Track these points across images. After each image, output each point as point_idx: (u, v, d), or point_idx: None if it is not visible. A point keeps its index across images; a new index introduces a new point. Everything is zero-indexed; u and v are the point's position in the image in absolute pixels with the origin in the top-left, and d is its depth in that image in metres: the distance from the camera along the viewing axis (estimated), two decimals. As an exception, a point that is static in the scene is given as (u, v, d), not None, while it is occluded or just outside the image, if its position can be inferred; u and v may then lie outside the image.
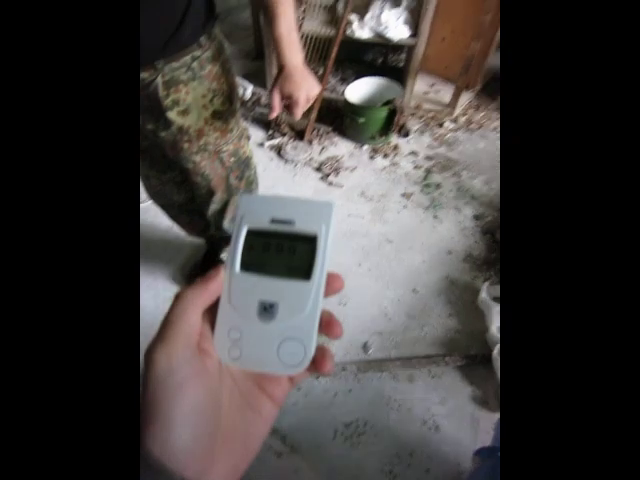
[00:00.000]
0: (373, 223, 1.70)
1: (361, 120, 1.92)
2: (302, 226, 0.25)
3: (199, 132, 0.89)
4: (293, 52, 0.82)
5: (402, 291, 1.48)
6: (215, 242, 1.43)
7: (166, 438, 0.21)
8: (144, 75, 0.78)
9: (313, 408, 1.25)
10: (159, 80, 0.79)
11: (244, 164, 1.05)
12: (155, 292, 1.46)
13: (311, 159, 1.95)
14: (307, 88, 0.84)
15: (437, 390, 1.29)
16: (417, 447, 1.19)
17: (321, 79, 1.89)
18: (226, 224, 1.17)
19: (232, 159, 0.99)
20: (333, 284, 0.24)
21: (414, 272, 1.54)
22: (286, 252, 0.25)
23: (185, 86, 0.82)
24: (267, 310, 0.24)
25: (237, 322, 0.24)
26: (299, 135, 2.05)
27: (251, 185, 1.12)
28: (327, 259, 0.24)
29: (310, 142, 2.03)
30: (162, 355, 0.21)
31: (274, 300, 0.24)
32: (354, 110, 1.92)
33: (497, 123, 2.19)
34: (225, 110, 0.91)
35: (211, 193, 1.04)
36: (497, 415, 1.24)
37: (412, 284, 1.50)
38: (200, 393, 0.22)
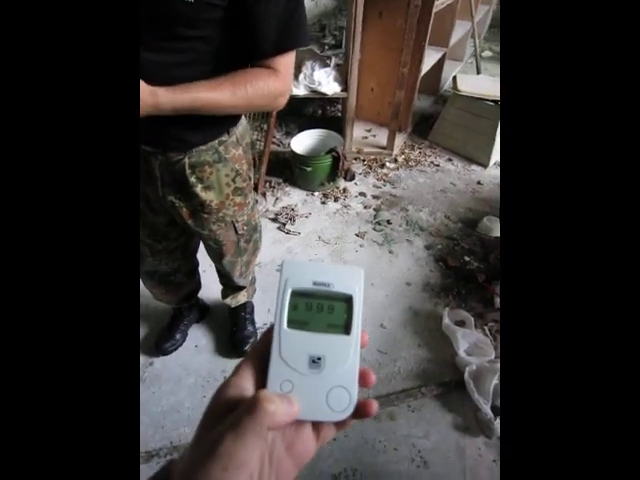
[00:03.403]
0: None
1: (309, 169, 2.02)
2: (339, 288, 0.28)
3: (219, 205, 0.94)
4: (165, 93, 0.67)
5: (370, 328, 1.51)
6: (183, 308, 1.41)
7: None
8: (172, 155, 0.83)
9: (299, 466, 1.20)
10: (186, 160, 0.84)
11: (253, 229, 1.11)
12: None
13: (266, 210, 2.00)
14: None
15: (419, 424, 1.30)
16: (409, 487, 1.17)
17: (266, 135, 1.99)
18: (235, 279, 1.23)
19: (245, 227, 1.05)
20: (364, 338, 0.28)
21: (379, 308, 1.58)
22: (326, 311, 0.28)
23: (210, 167, 0.87)
24: (316, 362, 0.27)
25: (289, 375, 0.26)
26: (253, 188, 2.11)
27: (257, 245, 1.19)
28: (361, 315, 0.28)
29: (264, 194, 2.09)
30: (237, 446, 0.23)
31: (321, 353, 0.27)
32: (301, 161, 2.03)
33: (432, 159, 2.39)
34: (245, 187, 0.97)
35: (221, 255, 1.09)
36: (481, 439, 1.26)
37: (379, 320, 1.54)
38: (257, 461, 0.24)
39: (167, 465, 0.24)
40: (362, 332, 0.28)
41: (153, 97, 0.66)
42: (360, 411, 0.27)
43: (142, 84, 0.65)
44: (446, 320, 1.50)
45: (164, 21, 0.66)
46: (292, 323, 0.28)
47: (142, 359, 1.41)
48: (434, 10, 2.10)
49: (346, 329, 0.28)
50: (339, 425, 0.28)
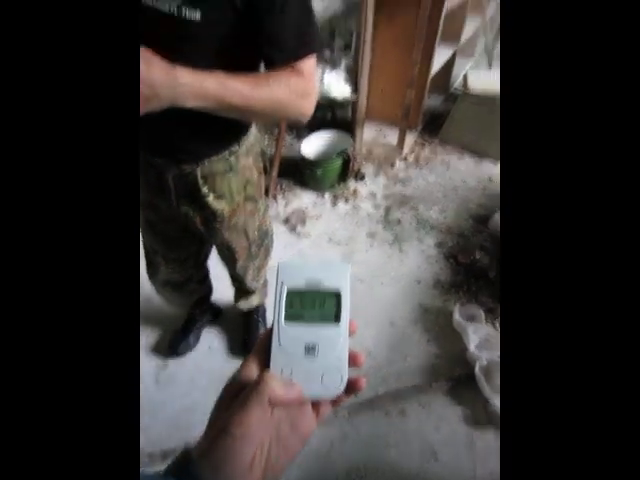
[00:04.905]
0: (344, 265, 1.79)
1: (319, 172, 2.06)
2: (329, 284, 0.33)
3: (231, 213, 0.96)
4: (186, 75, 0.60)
5: (380, 327, 1.54)
6: (195, 312, 1.47)
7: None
8: (185, 166, 0.85)
9: (312, 460, 1.24)
10: (198, 172, 0.86)
11: (264, 234, 1.14)
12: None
13: (277, 214, 2.06)
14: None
15: (430, 418, 1.32)
16: (419, 480, 1.19)
17: (277, 138, 2.05)
18: (248, 283, 1.26)
19: (256, 233, 1.09)
20: (351, 326, 0.33)
21: (389, 306, 1.61)
22: (318, 304, 0.33)
23: (222, 177, 0.89)
24: (310, 350, 0.32)
25: (288, 361, 0.31)
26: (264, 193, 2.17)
27: (268, 250, 1.22)
28: (348, 307, 0.32)
29: (275, 197, 2.15)
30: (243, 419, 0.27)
31: (315, 342, 0.32)
32: (311, 163, 2.07)
33: (443, 157, 2.39)
34: (255, 194, 1.00)
35: (234, 261, 1.13)
36: (491, 431, 1.27)
37: (389, 318, 1.57)
38: (264, 433, 0.29)
39: (185, 450, 0.28)
40: (351, 321, 0.32)
41: (170, 77, 0.57)
42: (351, 387, 0.31)
43: (157, 59, 0.57)
44: (457, 316, 1.51)
45: (171, 40, 0.66)
46: (289, 317, 0.32)
47: (157, 361, 1.47)
48: (445, 6, 2.10)
49: (336, 319, 0.32)
50: (334, 402, 0.32)
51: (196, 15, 0.63)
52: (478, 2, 2.79)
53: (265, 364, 0.31)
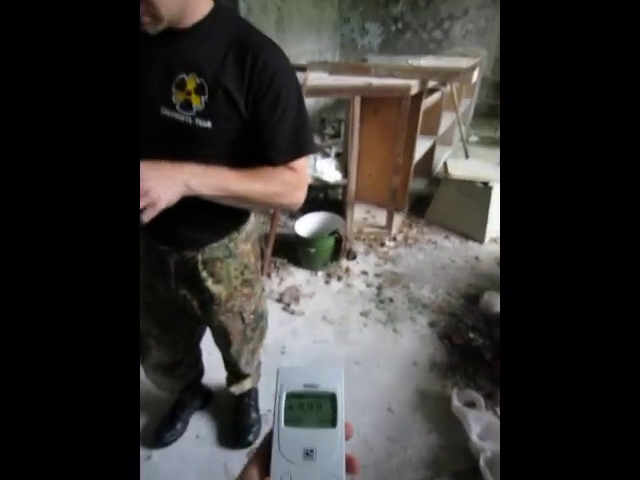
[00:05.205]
0: (338, 346, 1.76)
1: (312, 250, 2.13)
2: (325, 387, 0.34)
3: (228, 297, 0.99)
4: (193, 172, 0.69)
5: (378, 414, 1.47)
6: (185, 396, 1.40)
7: None
8: (186, 252, 0.90)
9: None
10: (199, 257, 0.90)
11: (260, 317, 1.15)
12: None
13: (271, 291, 2.06)
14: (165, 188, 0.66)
15: (435, 522, 1.21)
16: None
17: (272, 218, 2.13)
18: (241, 367, 1.24)
19: (252, 316, 1.09)
20: (347, 429, 0.33)
21: (386, 390, 1.56)
22: (315, 408, 0.34)
23: (221, 262, 0.93)
24: (309, 454, 0.32)
25: (288, 468, 0.32)
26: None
27: (263, 332, 1.22)
28: (344, 410, 0.33)
29: (269, 275, 2.17)
30: None
31: (313, 446, 0.32)
32: (305, 242, 2.14)
33: (430, 236, 2.51)
34: (252, 279, 1.03)
35: (229, 344, 1.12)
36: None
37: (387, 404, 1.51)
38: None
39: None
40: (347, 424, 0.34)
41: (187, 185, 0.67)
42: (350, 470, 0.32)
43: (178, 172, 0.66)
44: (455, 402, 1.47)
45: (185, 143, 0.75)
46: (288, 421, 0.33)
47: (140, 452, 1.36)
48: (422, 108, 2.38)
49: (332, 422, 0.33)
50: None
51: (207, 124, 0.73)
52: (451, 100, 3.17)
53: (265, 469, 0.32)
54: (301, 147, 0.80)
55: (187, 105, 0.72)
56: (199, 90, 0.71)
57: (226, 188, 0.71)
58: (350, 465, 0.32)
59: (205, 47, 0.72)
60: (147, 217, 0.62)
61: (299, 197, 0.81)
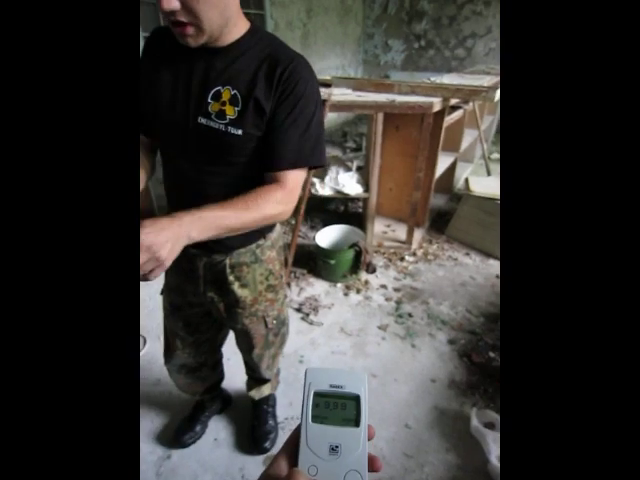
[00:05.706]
0: (355, 358, 1.76)
1: (332, 262, 2.15)
2: (349, 389, 0.37)
3: (253, 301, 1.03)
4: (192, 223, 0.68)
5: (395, 428, 1.46)
6: (205, 399, 1.43)
7: None
8: (216, 257, 0.94)
9: None
10: (227, 261, 0.95)
11: (282, 323, 1.18)
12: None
13: (291, 300, 2.09)
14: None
15: None
16: None
17: (294, 229, 2.17)
18: (262, 371, 1.27)
19: (274, 321, 1.13)
20: (369, 430, 0.36)
21: (403, 406, 1.55)
22: (340, 408, 0.36)
23: (248, 267, 0.98)
24: (334, 450, 0.34)
25: (314, 460, 0.34)
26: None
27: (284, 338, 1.25)
28: (367, 412, 0.36)
29: (289, 285, 2.20)
30: None
31: (338, 442, 0.35)
32: (325, 254, 2.17)
33: (450, 253, 2.50)
34: (276, 284, 1.07)
35: (251, 348, 1.15)
36: None
37: (403, 419, 1.50)
38: None
39: None
40: (369, 426, 0.36)
41: (188, 238, 0.67)
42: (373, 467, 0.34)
43: (177, 236, 0.65)
44: (474, 422, 1.44)
45: (218, 150, 0.81)
46: (315, 418, 0.36)
47: (160, 451, 1.39)
48: (444, 124, 2.40)
49: (356, 422, 0.35)
50: None
51: (239, 132, 0.78)
52: (473, 117, 3.17)
53: (293, 461, 0.34)
54: (302, 159, 0.81)
55: (221, 114, 0.78)
56: (233, 101, 0.77)
57: (224, 226, 0.72)
58: (372, 463, 0.34)
59: (240, 63, 0.78)
60: (154, 276, 0.63)
61: (290, 212, 0.83)
